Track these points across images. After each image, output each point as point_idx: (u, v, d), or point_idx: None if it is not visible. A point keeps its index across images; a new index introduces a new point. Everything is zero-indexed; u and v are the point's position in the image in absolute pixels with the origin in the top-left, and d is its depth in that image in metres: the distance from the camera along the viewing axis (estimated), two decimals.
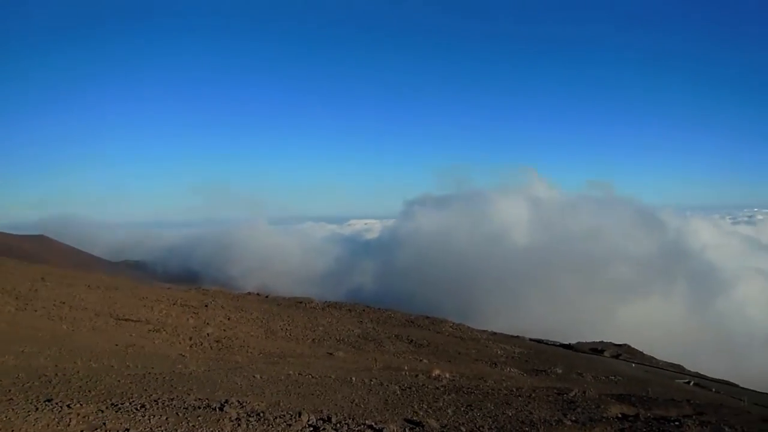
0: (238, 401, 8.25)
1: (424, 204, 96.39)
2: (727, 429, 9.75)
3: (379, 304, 27.75)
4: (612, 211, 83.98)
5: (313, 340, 17.09)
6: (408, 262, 70.62)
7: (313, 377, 11.20)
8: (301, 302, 24.04)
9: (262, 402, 8.60)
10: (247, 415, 7.62)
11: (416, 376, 12.87)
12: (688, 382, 19.94)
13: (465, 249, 69.50)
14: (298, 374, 11.39)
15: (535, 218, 79.24)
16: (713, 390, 18.61)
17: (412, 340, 18.78)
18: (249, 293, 27.24)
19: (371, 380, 11.44)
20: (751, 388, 21.33)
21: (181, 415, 7.23)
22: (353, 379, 11.39)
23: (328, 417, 8.01)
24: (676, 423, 9.74)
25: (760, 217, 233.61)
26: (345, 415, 8.47)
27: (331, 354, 15.12)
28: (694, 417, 10.73)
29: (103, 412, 6.93)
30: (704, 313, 58.03)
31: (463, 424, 8.86)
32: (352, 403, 9.54)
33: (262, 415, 7.73)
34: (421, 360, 15.79)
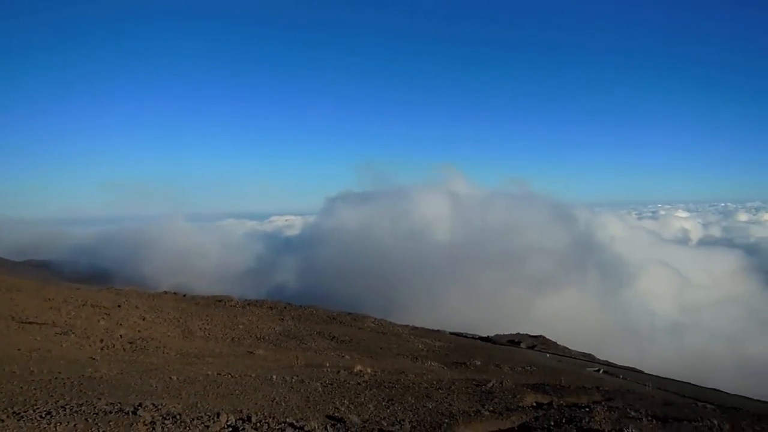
0: (153, 404, 7.96)
1: (345, 200, 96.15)
2: (632, 413, 10.33)
3: (301, 301, 27.52)
4: (528, 206, 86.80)
5: (233, 339, 16.73)
6: (330, 259, 70.30)
7: (232, 377, 10.97)
8: (220, 301, 23.48)
9: (179, 404, 8.34)
10: (163, 418, 7.36)
11: (338, 372, 12.87)
12: (598, 370, 20.97)
13: (387, 245, 69.96)
14: (217, 374, 11.11)
15: (456, 214, 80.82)
16: (621, 377, 19.66)
17: (334, 337, 18.76)
18: (165, 292, 26.32)
19: (292, 378, 11.33)
20: (655, 374, 22.63)
21: (90, 420, 6.89)
22: (274, 377, 11.24)
23: (247, 416, 7.87)
24: (587, 409, 10.23)
25: (662, 212, 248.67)
26: (265, 414, 8.35)
27: (251, 353, 14.86)
28: (603, 403, 11.30)
29: (3, 421, 6.50)
30: (612, 303, 61.02)
31: (384, 418, 8.95)
32: (272, 401, 9.42)
33: (178, 417, 7.49)
34: (343, 356, 15.79)
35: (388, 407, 9.68)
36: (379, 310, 32.29)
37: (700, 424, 9.71)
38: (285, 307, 23.64)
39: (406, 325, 24.92)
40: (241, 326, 18.34)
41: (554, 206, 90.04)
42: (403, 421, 8.82)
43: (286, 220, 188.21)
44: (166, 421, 7.23)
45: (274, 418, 8.00)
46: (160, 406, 7.88)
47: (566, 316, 51.99)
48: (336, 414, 8.89)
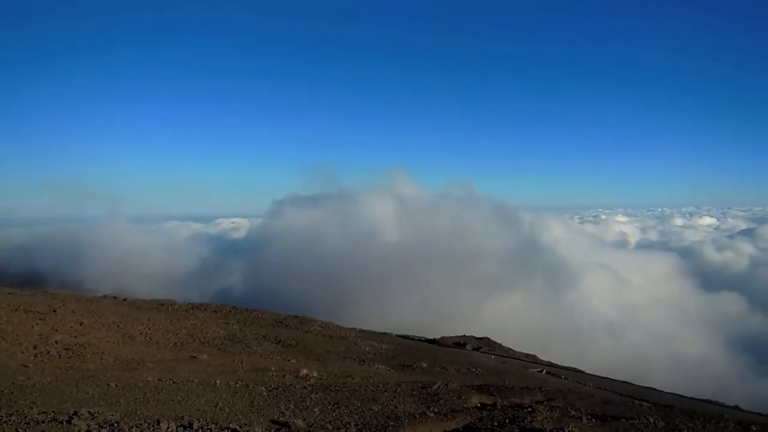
0: (89, 412, 7.69)
1: (292, 203, 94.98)
2: (573, 412, 10.61)
3: (247, 304, 27.09)
4: (474, 209, 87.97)
5: (176, 343, 16.33)
6: (277, 262, 69.41)
7: (174, 382, 10.70)
8: (162, 304, 22.85)
9: (117, 411, 8.09)
10: (99, 426, 7.13)
11: (284, 376, 12.74)
12: (541, 371, 21.46)
13: (334, 248, 69.58)
14: (158, 380, 10.82)
15: (403, 217, 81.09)
16: (563, 377, 20.19)
17: (280, 341, 18.56)
18: (104, 296, 25.47)
19: (237, 383, 11.14)
20: (595, 374, 23.32)
21: (22, 431, 6.60)
22: (218, 382, 11.03)
23: (189, 423, 7.70)
24: (529, 409, 10.45)
25: (603, 216, 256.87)
26: (208, 419, 8.19)
27: (194, 357, 14.53)
28: (545, 403, 11.57)
29: None
30: (556, 305, 62.40)
31: (330, 422, 8.90)
32: (215, 407, 9.23)
33: (116, 425, 7.27)
34: (289, 360, 15.64)
35: (334, 411, 9.65)
36: (326, 313, 32.12)
37: (637, 421, 10.06)
38: (230, 311, 23.23)
39: (353, 328, 24.89)
40: (184, 330, 17.91)
41: (500, 209, 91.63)
42: (349, 424, 8.80)
43: (233, 223, 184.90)
44: (102, 430, 7.00)
45: (216, 424, 7.86)
46: (96, 414, 7.62)
47: (511, 317, 52.95)
48: (281, 418, 8.80)
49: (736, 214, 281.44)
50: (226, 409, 9.14)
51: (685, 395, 19.88)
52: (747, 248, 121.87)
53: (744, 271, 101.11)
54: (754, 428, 10.49)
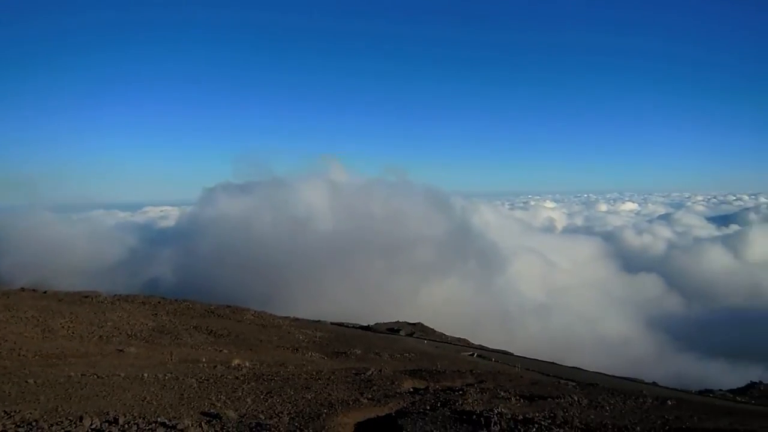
0: (5, 411, 7.31)
1: (224, 191, 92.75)
2: (502, 393, 10.95)
3: (177, 295, 26.38)
4: (407, 195, 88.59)
5: (101, 337, 15.71)
6: (208, 251, 67.68)
7: (98, 377, 10.31)
8: (86, 297, 21.89)
9: (36, 409, 7.72)
10: (16, 425, 6.79)
11: (215, 367, 12.51)
12: (472, 354, 21.99)
13: (267, 236, 68.55)
14: (81, 375, 10.39)
15: (338, 204, 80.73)
16: (493, 360, 20.76)
17: (211, 331, 18.20)
18: (22, 289, 24.19)
19: (165, 375, 10.86)
20: (524, 356, 24.12)
21: None
22: (145, 375, 10.71)
23: (114, 419, 7.44)
24: (460, 392, 10.70)
25: (532, 203, 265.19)
26: (135, 414, 7.93)
27: (121, 351, 14.04)
28: (475, 385, 11.88)
29: None
30: (487, 289, 63.95)
31: (262, 411, 8.82)
32: (143, 401, 8.97)
33: (35, 424, 6.94)
34: (220, 350, 15.37)
35: (267, 400, 9.56)
36: (259, 302, 31.73)
37: (563, 400, 10.49)
38: (159, 302, 22.54)
39: (287, 317, 24.72)
40: (109, 323, 17.26)
41: (432, 195, 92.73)
42: (282, 413, 8.75)
43: (161, 211, 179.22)
44: (20, 429, 6.67)
45: (144, 419, 7.63)
46: (13, 413, 7.26)
47: (444, 302, 53.89)
48: (212, 410, 8.64)
49: (656, 199, 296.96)
50: (155, 403, 8.89)
51: (608, 373, 20.88)
52: (665, 232, 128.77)
53: (661, 254, 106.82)
54: (670, 402, 11.14)
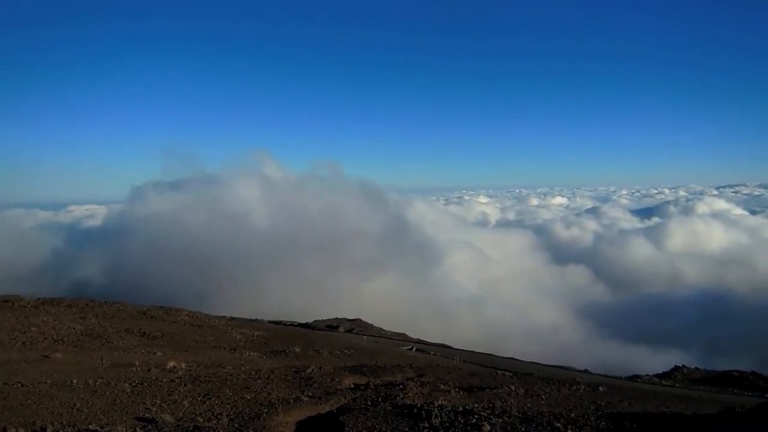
0: None
1: (153, 189, 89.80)
2: (442, 386, 11.12)
3: (107, 297, 25.44)
4: (344, 190, 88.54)
5: (24, 342, 14.91)
6: (139, 251, 65.38)
7: (23, 385, 9.77)
8: (6, 301, 20.71)
9: None
10: None
11: (149, 370, 12.12)
12: (411, 348, 22.25)
13: (201, 234, 66.83)
14: (4, 384, 9.83)
15: (272, 200, 79.73)
16: (431, 353, 21.07)
17: (144, 333, 17.63)
18: None
19: (96, 381, 10.42)
20: (462, 348, 24.59)
21: None
22: (75, 381, 10.25)
23: (42, 428, 7.09)
24: (401, 386, 10.79)
25: (467, 198, 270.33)
26: (64, 422, 7.59)
27: (47, 356, 13.37)
28: (415, 379, 12.02)
29: None
30: (423, 283, 64.65)
31: (200, 414, 8.61)
32: (72, 408, 8.57)
33: None
34: (154, 353, 14.89)
35: (205, 402, 9.34)
36: (194, 302, 31.04)
37: (500, 390, 10.76)
38: (87, 305, 21.62)
39: (223, 316, 24.28)
40: (33, 328, 16.41)
41: (368, 190, 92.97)
42: (221, 414, 8.57)
43: (87, 210, 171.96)
44: None
45: (74, 426, 7.32)
46: None
47: (383, 297, 54.12)
48: (147, 415, 8.36)
49: (584, 194, 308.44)
50: (85, 410, 8.52)
51: (542, 363, 21.56)
52: (592, 225, 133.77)
53: (589, 246, 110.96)
54: (602, 388, 11.65)
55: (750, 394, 16.86)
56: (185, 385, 10.47)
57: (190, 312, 22.78)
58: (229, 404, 9.23)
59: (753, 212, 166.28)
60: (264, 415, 8.63)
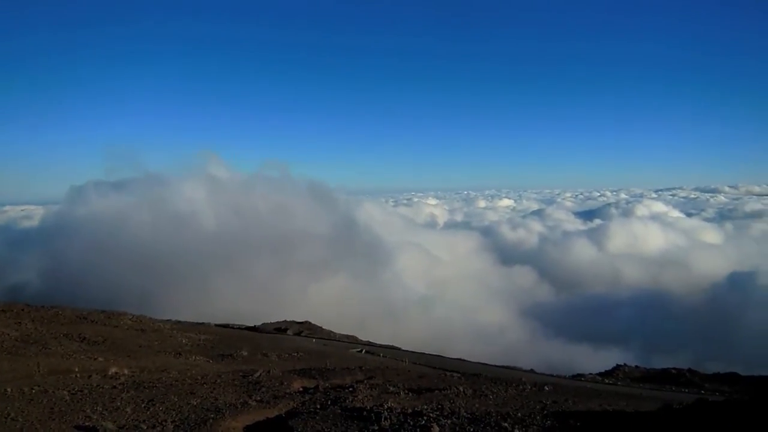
0: None
1: (95, 189, 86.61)
2: (391, 388, 11.17)
3: (44, 301, 24.37)
4: (292, 191, 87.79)
5: None
6: (79, 253, 62.79)
7: None
8: None
9: None
10: None
11: (89, 377, 11.71)
12: (361, 351, 22.26)
13: (145, 235, 64.82)
14: None
15: (219, 201, 78.12)
16: (381, 355, 21.13)
17: (84, 338, 17.01)
18: None
19: (32, 389, 10.00)
20: (411, 350, 24.76)
21: None
22: (9, 390, 9.80)
23: None
24: (350, 389, 10.78)
25: (416, 200, 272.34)
26: None
27: None
28: (365, 381, 12.03)
29: None
30: (373, 284, 64.73)
31: (144, 420, 8.39)
32: (6, 418, 8.19)
33: None
34: (95, 359, 14.39)
35: (149, 408, 9.09)
36: (138, 306, 30.12)
37: (449, 391, 10.89)
38: (23, 309, 20.70)
39: (169, 320, 23.71)
40: None
41: (317, 191, 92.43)
42: (165, 421, 8.37)
43: (22, 210, 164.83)
44: None
45: None
46: None
47: (332, 299, 53.92)
48: (87, 423, 8.09)
49: (530, 196, 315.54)
50: (20, 420, 8.16)
51: (490, 363, 21.94)
52: (537, 227, 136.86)
53: (534, 247, 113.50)
54: (547, 388, 11.95)
55: (687, 390, 17.61)
56: (128, 392, 10.16)
57: (133, 316, 22.14)
58: (174, 410, 9.01)
59: (689, 214, 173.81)
60: (211, 420, 8.48)
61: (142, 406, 9.26)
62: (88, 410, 8.89)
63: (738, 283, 71.41)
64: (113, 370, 12.28)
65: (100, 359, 14.34)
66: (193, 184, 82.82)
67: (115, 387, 10.53)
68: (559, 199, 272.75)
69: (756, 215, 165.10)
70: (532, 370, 20.73)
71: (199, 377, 11.74)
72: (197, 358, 15.80)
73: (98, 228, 68.73)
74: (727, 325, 60.28)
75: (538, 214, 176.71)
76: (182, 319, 25.72)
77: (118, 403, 9.37)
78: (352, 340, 26.41)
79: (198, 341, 18.70)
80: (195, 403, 9.50)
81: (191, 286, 53.10)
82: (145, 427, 8.04)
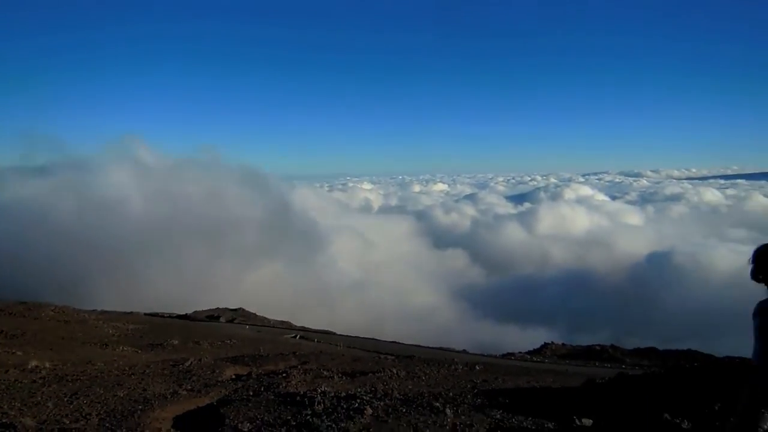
0: None
1: (11, 174, 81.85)
2: (325, 372, 11.20)
3: None
4: (224, 175, 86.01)
5: None
6: None
7: None
8: None
9: None
10: None
11: (7, 371, 11.13)
12: (295, 336, 22.17)
13: (69, 224, 61.73)
14: None
15: (147, 186, 75.47)
16: (315, 340, 21.13)
17: (1, 331, 16.16)
18: None
19: None
20: (345, 334, 24.86)
21: None
22: None
23: None
24: (284, 375, 10.74)
25: (351, 184, 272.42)
26: None
27: None
28: (299, 367, 12.00)
29: None
30: (307, 269, 64.40)
31: (67, 415, 8.06)
32: None
33: None
34: (13, 352, 13.70)
35: (72, 402, 8.74)
36: (62, 296, 28.88)
37: (383, 374, 11.02)
38: None
39: (94, 310, 22.85)
40: None
41: (249, 175, 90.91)
42: (90, 414, 8.08)
43: None
44: None
45: None
46: None
47: (265, 286, 53.37)
48: (4, 420, 7.70)
49: (464, 180, 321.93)
50: None
51: (423, 345, 22.34)
52: (470, 210, 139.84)
53: (467, 231, 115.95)
54: (478, 367, 12.31)
55: (610, 366, 18.56)
56: (49, 386, 9.74)
57: (56, 307, 21.19)
58: (99, 403, 8.71)
59: (613, 198, 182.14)
60: (138, 412, 8.25)
61: (65, 400, 8.90)
62: (5, 406, 8.46)
63: (656, 262, 75.42)
64: (33, 363, 11.73)
65: (19, 353, 13.67)
66: (119, 169, 79.60)
67: (35, 381, 10.07)
68: (491, 184, 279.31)
69: (675, 198, 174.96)
70: (464, 351, 21.25)
71: (127, 368, 11.39)
72: (125, 348, 15.32)
73: (16, 215, 64.92)
74: (646, 303, 63.68)
75: (471, 198, 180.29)
76: (109, 309, 24.82)
77: (39, 398, 8.97)
78: (286, 326, 26.27)
79: (126, 331, 18.12)
80: (122, 395, 9.21)
81: (118, 275, 51.26)
82: (68, 422, 7.74)
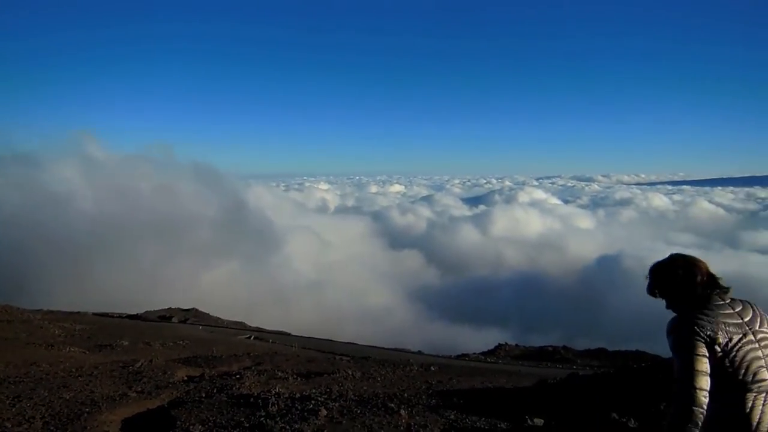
0: None
1: None
2: (280, 373, 11.11)
3: None
4: (177, 173, 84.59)
5: None
6: None
7: None
8: None
9: None
10: None
11: None
12: (249, 337, 21.90)
13: (11, 221, 59.68)
14: None
15: (96, 183, 73.40)
16: (270, 341, 20.91)
17: None
18: None
19: None
20: (300, 335, 24.68)
21: None
22: None
23: None
24: (237, 376, 10.61)
25: (307, 184, 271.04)
26: None
27: None
28: (253, 368, 11.87)
29: None
30: (263, 269, 63.77)
31: (9, 419, 7.77)
32: None
33: None
34: None
35: (14, 405, 8.43)
36: (3, 295, 27.78)
37: (338, 375, 11.01)
38: None
39: (39, 310, 22.05)
40: None
41: (203, 173, 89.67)
42: (34, 418, 7.81)
43: None
44: None
45: None
46: None
47: (220, 286, 52.60)
48: None
49: (420, 182, 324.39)
50: None
51: (379, 346, 22.40)
52: (426, 212, 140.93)
53: (423, 232, 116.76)
54: (433, 368, 12.43)
55: (561, 366, 18.98)
56: None
57: None
58: (44, 406, 8.42)
59: (566, 201, 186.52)
60: (85, 414, 8.02)
61: (7, 403, 8.58)
62: None
63: (605, 265, 77.34)
64: None
65: None
66: (66, 165, 77.30)
67: None
68: (448, 186, 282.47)
69: (624, 203, 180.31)
70: (420, 351, 21.39)
71: (74, 369, 11.05)
72: (72, 349, 14.82)
73: None
74: (596, 305, 65.30)
75: (427, 199, 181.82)
76: (55, 308, 24.01)
77: None
78: (241, 327, 25.93)
79: (73, 331, 17.55)
80: (68, 397, 8.93)
81: (66, 273, 49.70)
82: (10, 426, 7.47)
